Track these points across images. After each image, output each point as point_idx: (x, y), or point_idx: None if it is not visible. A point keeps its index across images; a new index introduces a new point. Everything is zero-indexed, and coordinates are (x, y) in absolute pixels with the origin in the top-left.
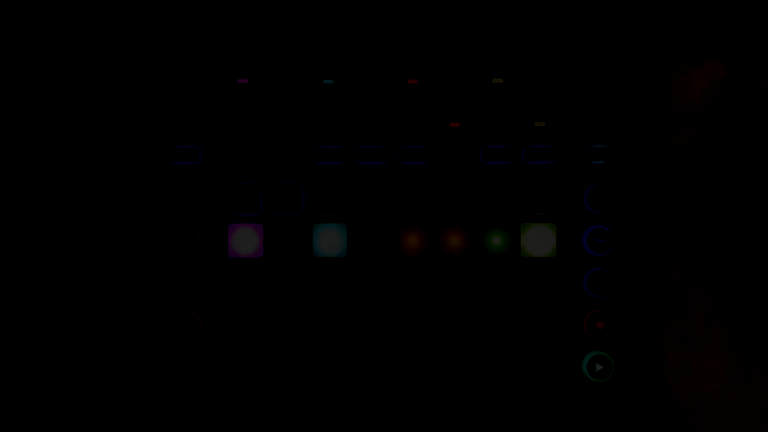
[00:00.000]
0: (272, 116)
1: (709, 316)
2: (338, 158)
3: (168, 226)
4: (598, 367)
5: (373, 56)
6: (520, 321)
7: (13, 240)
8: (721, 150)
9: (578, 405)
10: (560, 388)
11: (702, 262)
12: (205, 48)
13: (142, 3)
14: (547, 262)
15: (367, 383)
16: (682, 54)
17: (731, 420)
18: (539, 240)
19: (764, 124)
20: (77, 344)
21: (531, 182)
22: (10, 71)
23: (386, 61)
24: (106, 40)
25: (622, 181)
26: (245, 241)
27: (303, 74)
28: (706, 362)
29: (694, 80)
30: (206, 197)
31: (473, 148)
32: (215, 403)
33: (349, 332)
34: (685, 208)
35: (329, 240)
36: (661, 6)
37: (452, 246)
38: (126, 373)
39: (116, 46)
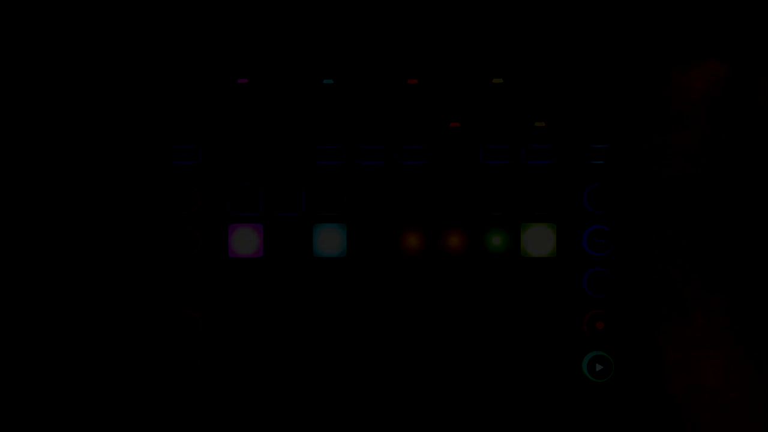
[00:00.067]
0: (272, 116)
1: (709, 316)
2: (338, 158)
3: (168, 226)
4: (598, 367)
5: (373, 56)
6: (520, 321)
7: (12, 239)
8: (721, 150)
9: (578, 405)
10: (560, 388)
11: (702, 262)
12: (205, 48)
13: (142, 3)
14: (547, 262)
15: (367, 383)
16: (682, 54)
17: (731, 420)
18: (539, 240)
19: (764, 124)
20: (77, 344)
21: (531, 182)
22: (10, 71)
23: (386, 61)
24: (106, 40)
25: (622, 181)
26: (245, 241)
27: (303, 74)
28: (706, 362)
29: (694, 80)
30: (206, 197)
31: (473, 148)
32: (215, 403)
33: (349, 332)
34: (685, 208)
35: (329, 240)
36: (660, 6)
37: (452, 246)
38: (126, 373)
39: (116, 46)
